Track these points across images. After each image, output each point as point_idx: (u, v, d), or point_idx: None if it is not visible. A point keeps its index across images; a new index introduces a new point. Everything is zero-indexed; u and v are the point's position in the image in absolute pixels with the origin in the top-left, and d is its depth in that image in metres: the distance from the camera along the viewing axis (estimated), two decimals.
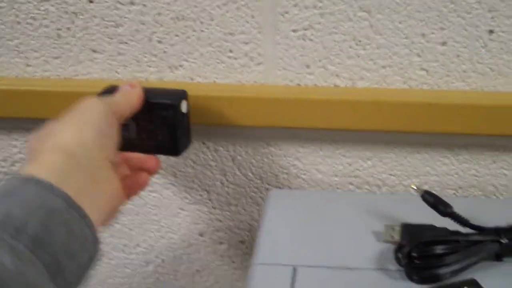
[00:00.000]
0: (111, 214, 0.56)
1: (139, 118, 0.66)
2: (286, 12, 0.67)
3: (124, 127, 0.66)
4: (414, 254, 0.58)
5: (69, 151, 0.50)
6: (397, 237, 0.62)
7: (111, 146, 0.55)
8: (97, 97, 0.58)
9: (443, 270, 0.57)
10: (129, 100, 0.60)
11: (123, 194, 0.57)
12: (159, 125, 0.65)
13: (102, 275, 0.89)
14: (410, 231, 0.62)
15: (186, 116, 0.67)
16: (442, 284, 0.56)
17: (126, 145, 0.68)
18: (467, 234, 0.60)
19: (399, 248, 0.60)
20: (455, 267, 0.57)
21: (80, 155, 0.50)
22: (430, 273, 0.57)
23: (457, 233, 0.61)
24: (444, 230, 0.61)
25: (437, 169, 0.75)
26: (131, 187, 0.61)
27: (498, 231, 0.59)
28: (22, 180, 0.46)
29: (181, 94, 0.67)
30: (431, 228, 0.62)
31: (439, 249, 0.58)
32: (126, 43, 0.71)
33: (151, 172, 0.64)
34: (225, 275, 0.87)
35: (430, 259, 0.58)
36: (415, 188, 0.62)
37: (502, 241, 0.58)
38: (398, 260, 0.59)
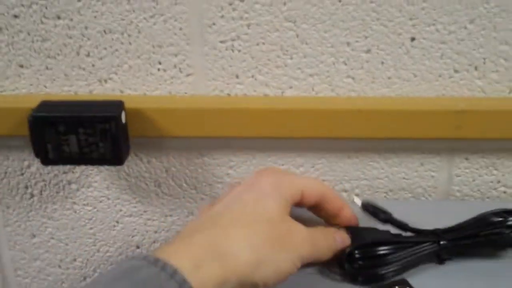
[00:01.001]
0: None
1: (79, 131, 0.66)
2: (213, 24, 0.67)
3: (65, 141, 0.67)
4: (357, 255, 0.59)
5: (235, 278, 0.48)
6: None
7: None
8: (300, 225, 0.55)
9: (385, 270, 0.58)
10: (330, 246, 0.57)
11: None
12: (101, 137, 0.66)
13: None
14: (353, 233, 0.63)
15: (125, 125, 0.67)
16: (377, 285, 0.57)
17: (68, 159, 0.68)
18: (407, 236, 0.62)
19: (342, 251, 0.60)
20: (397, 266, 0.58)
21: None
22: (373, 273, 0.58)
23: (398, 235, 0.63)
24: (387, 232, 0.63)
25: (367, 173, 0.76)
26: None
27: (436, 233, 0.61)
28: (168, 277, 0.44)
29: (120, 105, 0.67)
30: (374, 231, 0.63)
31: (381, 250, 0.59)
32: (53, 57, 0.70)
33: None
34: None
35: (372, 260, 0.59)
36: (355, 201, 0.64)
37: (441, 242, 0.60)
38: (341, 262, 0.60)
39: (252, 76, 0.70)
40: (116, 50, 0.69)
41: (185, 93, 0.72)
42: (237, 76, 0.70)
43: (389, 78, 0.70)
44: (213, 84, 0.71)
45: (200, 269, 0.46)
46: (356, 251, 0.59)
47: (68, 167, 0.77)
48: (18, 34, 0.69)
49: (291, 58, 0.69)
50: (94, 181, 0.78)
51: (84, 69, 0.71)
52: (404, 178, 0.77)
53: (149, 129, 0.70)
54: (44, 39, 0.69)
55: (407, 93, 0.71)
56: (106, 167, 0.77)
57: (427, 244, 0.60)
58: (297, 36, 0.68)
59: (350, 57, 0.69)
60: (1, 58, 0.70)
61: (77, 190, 0.79)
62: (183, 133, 0.71)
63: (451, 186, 0.77)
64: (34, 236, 0.82)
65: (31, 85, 0.72)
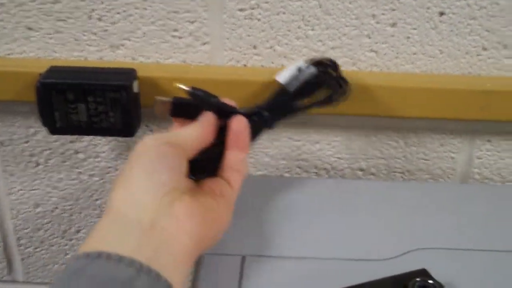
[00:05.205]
0: (206, 244, 0.50)
1: (88, 100, 0.64)
2: None
3: (73, 110, 0.64)
4: None
5: (120, 214, 0.45)
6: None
7: (171, 178, 0.48)
8: (154, 137, 0.50)
9: None
10: (196, 136, 0.52)
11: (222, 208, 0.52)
12: (111, 107, 0.64)
13: (42, 262, 0.86)
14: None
15: (137, 95, 0.65)
16: (393, 275, 0.55)
17: (77, 128, 0.66)
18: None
19: None
20: None
21: (131, 213, 0.45)
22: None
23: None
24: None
25: (384, 152, 0.74)
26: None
27: (259, 108, 0.58)
28: (89, 258, 0.42)
29: (132, 73, 0.65)
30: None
31: None
32: (64, 20, 0.67)
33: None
34: None
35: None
36: (181, 87, 0.54)
37: (264, 114, 0.58)
38: None
39: (271, 47, 0.67)
40: (130, 15, 0.66)
41: (200, 62, 0.69)
42: (254, 47, 0.68)
43: (414, 53, 0.67)
44: (230, 54, 0.68)
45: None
46: None
47: (75, 136, 0.75)
48: None
49: (313, 29, 0.66)
50: (102, 151, 0.76)
51: (95, 34, 0.68)
52: (422, 158, 0.74)
53: None
54: (55, 1, 0.66)
55: (431, 70, 0.68)
56: (115, 137, 0.74)
57: (253, 117, 0.57)
58: (320, 6, 0.65)
59: (374, 30, 0.66)
60: (9, 20, 0.67)
61: (84, 160, 0.76)
62: None
63: (471, 169, 0.75)
64: (38, 205, 0.80)
65: (39, 49, 0.69)
